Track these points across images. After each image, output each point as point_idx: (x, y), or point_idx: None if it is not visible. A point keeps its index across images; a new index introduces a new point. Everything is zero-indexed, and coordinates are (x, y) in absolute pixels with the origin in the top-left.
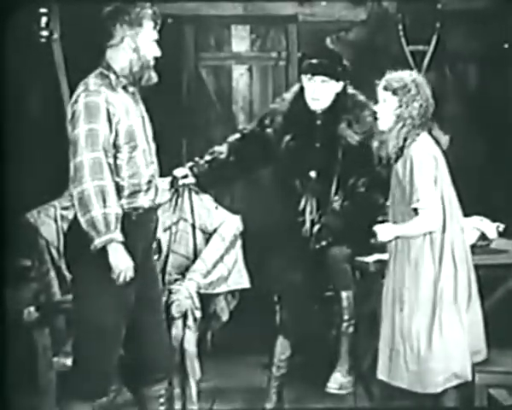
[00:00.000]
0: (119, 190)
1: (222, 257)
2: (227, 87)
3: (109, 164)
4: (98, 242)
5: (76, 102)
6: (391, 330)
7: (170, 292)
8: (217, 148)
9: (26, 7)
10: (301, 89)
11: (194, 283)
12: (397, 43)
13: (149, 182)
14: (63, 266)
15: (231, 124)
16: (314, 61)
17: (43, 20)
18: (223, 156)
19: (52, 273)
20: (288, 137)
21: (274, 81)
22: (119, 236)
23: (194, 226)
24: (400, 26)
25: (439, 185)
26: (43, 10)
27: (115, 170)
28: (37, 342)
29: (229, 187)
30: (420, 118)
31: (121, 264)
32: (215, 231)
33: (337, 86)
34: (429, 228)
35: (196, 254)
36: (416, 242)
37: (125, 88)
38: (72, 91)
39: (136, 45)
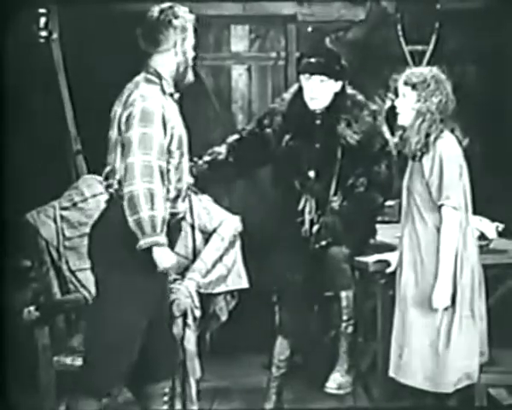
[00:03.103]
0: (166, 193)
1: (221, 257)
2: (226, 87)
3: (160, 167)
4: (143, 243)
5: (132, 104)
6: (402, 328)
7: (170, 291)
8: (216, 148)
9: (26, 7)
10: (300, 89)
11: (194, 282)
12: (396, 43)
13: (187, 188)
14: (63, 267)
15: (230, 124)
16: (312, 60)
17: (42, 20)
18: (222, 157)
19: (52, 273)
20: (287, 137)
21: (273, 81)
22: (163, 239)
23: (193, 227)
24: (399, 26)
25: (461, 183)
26: (42, 11)
27: (166, 174)
28: (37, 341)
29: (228, 187)
30: (439, 113)
31: (165, 262)
32: (214, 231)
33: (336, 86)
34: (458, 226)
35: (195, 255)
36: (428, 238)
37: (171, 94)
38: (70, 91)
39: (184, 49)
